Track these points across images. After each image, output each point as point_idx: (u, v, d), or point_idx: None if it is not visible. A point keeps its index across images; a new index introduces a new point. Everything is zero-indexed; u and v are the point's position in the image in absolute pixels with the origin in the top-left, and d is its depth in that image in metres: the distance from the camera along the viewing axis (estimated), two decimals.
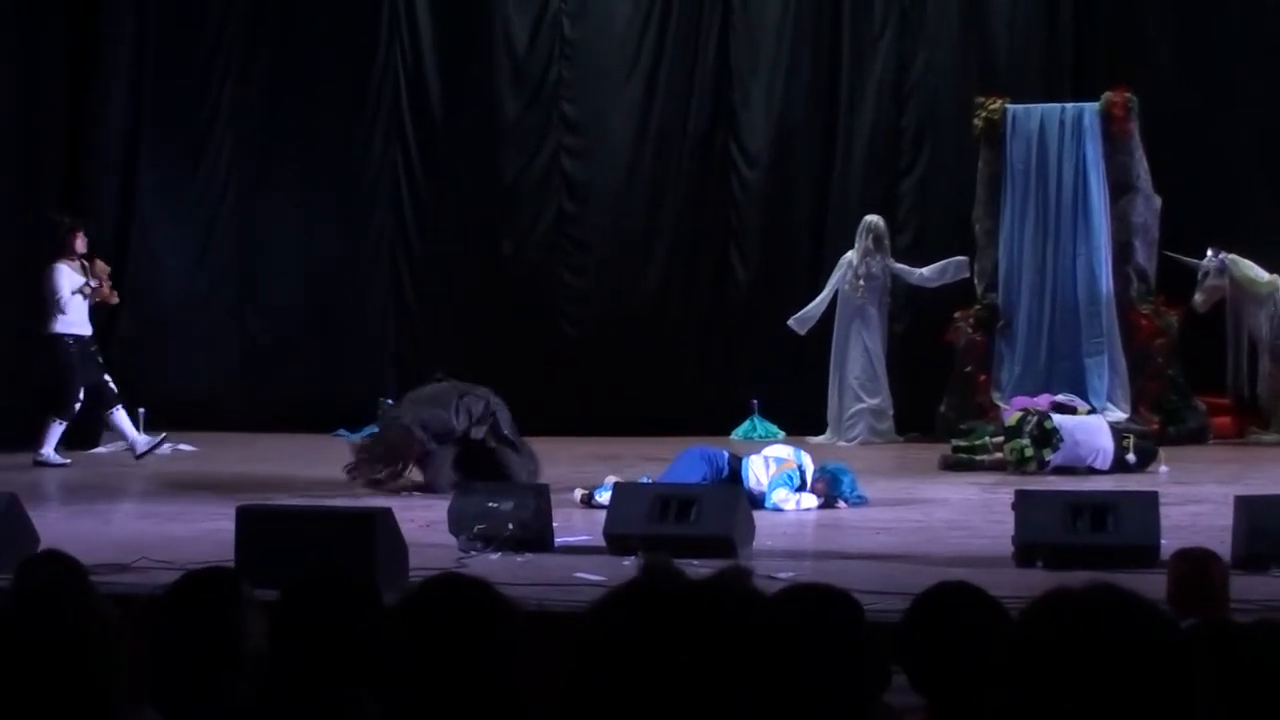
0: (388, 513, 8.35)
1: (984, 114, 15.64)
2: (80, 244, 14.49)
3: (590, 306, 17.27)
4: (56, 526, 9.56)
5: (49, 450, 14.29)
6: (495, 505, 9.25)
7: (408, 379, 16.56)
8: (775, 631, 3.33)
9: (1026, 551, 8.51)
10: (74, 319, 14.35)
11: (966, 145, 16.05)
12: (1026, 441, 13.19)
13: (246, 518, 8.32)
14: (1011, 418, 13.55)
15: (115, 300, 14.76)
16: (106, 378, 14.50)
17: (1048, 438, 13.16)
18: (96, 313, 14.69)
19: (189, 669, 3.81)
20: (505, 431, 12.32)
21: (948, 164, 16.69)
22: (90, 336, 14.55)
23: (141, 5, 16.27)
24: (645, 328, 17.05)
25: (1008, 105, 15.64)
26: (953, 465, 13.59)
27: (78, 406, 14.35)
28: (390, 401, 12.87)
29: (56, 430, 14.30)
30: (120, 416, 14.56)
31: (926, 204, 16.87)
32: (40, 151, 15.87)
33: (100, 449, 15.57)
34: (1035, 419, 13.35)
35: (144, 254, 17.03)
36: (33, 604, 3.15)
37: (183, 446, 15.55)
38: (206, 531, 9.80)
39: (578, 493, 11.30)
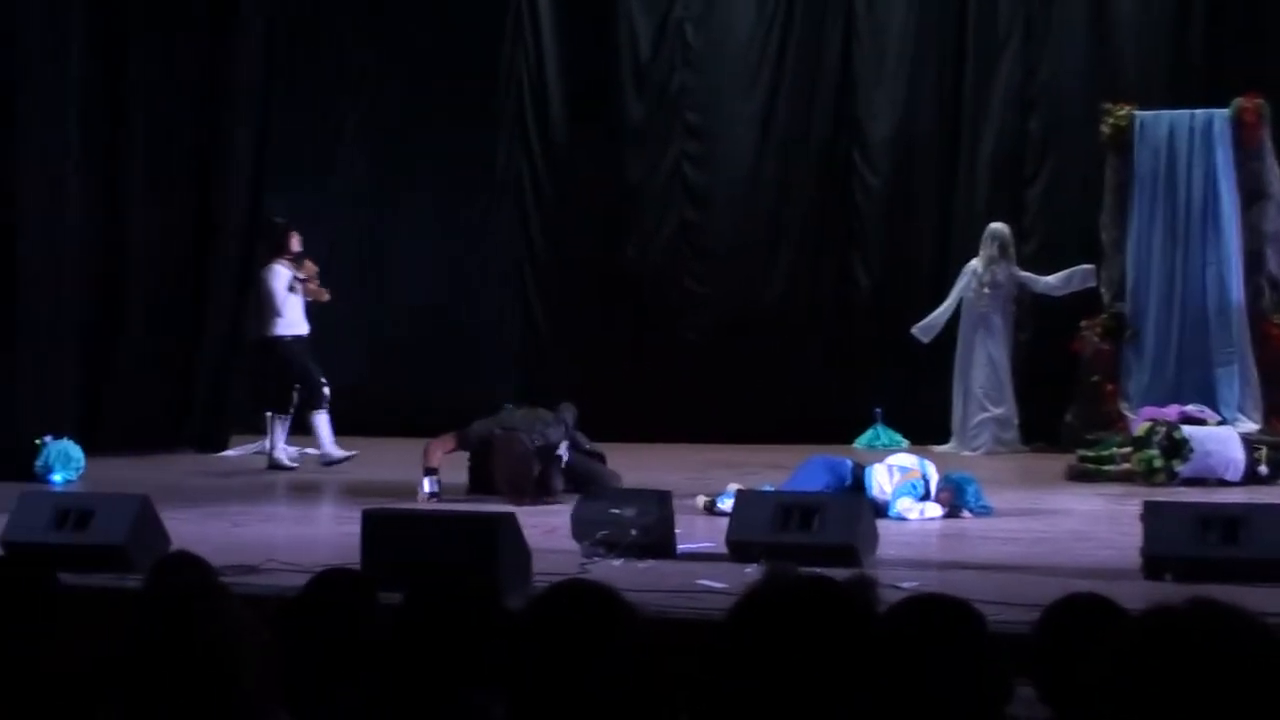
0: (511, 518, 8.38)
1: (1111, 121, 15.47)
2: (295, 243, 14.55)
3: (712, 313, 17.27)
4: (186, 528, 9.67)
5: (280, 453, 14.40)
6: (618, 512, 9.26)
7: (532, 384, 16.69)
8: (895, 640, 3.31)
9: (1155, 564, 8.40)
10: (291, 319, 14.45)
11: (1093, 152, 15.90)
12: (1155, 452, 13.04)
13: (372, 521, 8.38)
14: (1140, 428, 13.40)
15: (326, 297, 14.68)
16: (322, 380, 14.52)
17: (1177, 448, 13.00)
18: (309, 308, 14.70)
19: (317, 670, 3.84)
20: (585, 446, 12.60)
21: (1074, 171, 16.54)
22: (307, 336, 14.61)
23: (271, 15, 16.44)
24: (767, 335, 17.03)
25: (1135, 112, 15.46)
26: (1079, 475, 13.47)
27: (326, 390, 14.43)
28: (511, 405, 12.92)
29: (281, 430, 14.39)
30: (321, 420, 14.52)
31: (1052, 211, 16.73)
32: (173, 157, 16.07)
33: (229, 452, 15.77)
34: (1164, 429, 13.19)
35: None
36: (165, 605, 3.19)
37: (310, 450, 15.71)
38: (332, 534, 9.89)
39: (700, 500, 11.30)
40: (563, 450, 12.26)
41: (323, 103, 17.84)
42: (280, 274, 14.45)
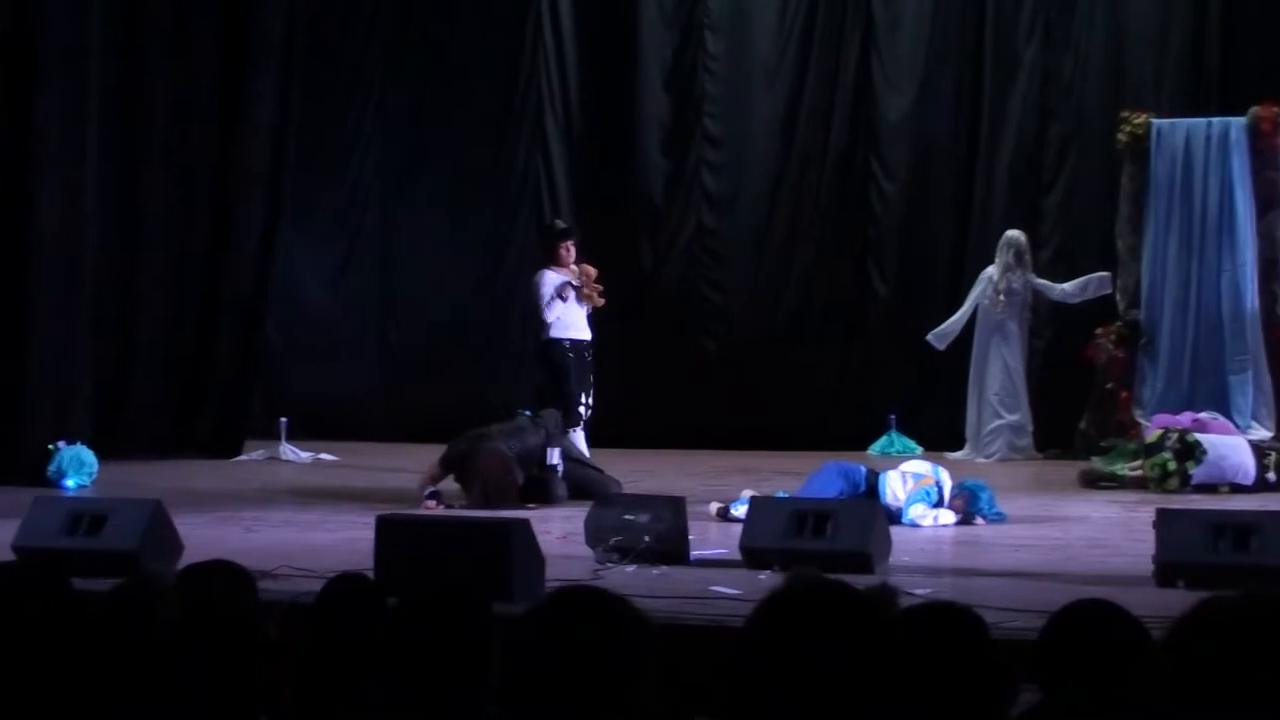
0: (525, 524, 8.38)
1: (1128, 129, 15.48)
2: (565, 254, 13.77)
3: (728, 319, 17.29)
4: (199, 533, 9.69)
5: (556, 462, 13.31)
6: (632, 518, 9.27)
7: (545, 391, 16.69)
8: (902, 646, 3.32)
9: (1167, 571, 8.40)
10: (568, 322, 13.69)
11: (1110, 160, 15.90)
12: (1169, 456, 13.02)
13: (386, 527, 8.39)
14: (1152, 435, 13.38)
15: (599, 302, 13.79)
16: (584, 395, 13.74)
17: (1190, 451, 12.99)
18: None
19: (330, 674, 3.86)
20: (575, 454, 12.67)
21: (1091, 179, 16.54)
22: (587, 342, 13.81)
23: (290, 18, 16.46)
24: (783, 341, 17.05)
25: (1152, 120, 15.46)
26: (1093, 482, 13.45)
27: (583, 410, 13.66)
28: (529, 412, 12.95)
29: (573, 438, 13.53)
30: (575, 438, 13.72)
31: (1069, 219, 16.73)
32: (191, 158, 16.10)
33: (243, 457, 15.80)
34: (1177, 435, 13.18)
35: (288, 263, 17.23)
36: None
37: (324, 455, 15.75)
38: (346, 540, 9.90)
39: (714, 506, 11.31)
40: (556, 458, 12.30)
41: (340, 105, 17.88)
42: (547, 279, 13.74)
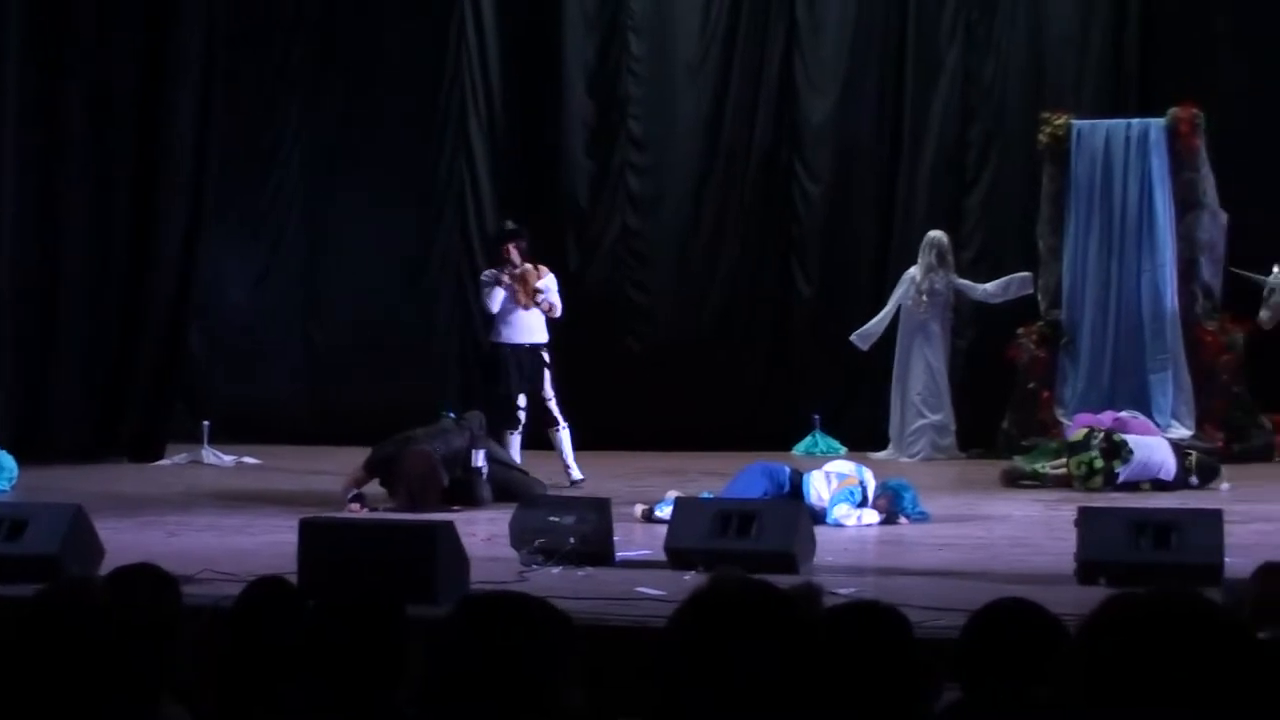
0: (449, 526, 8.37)
1: (1049, 130, 15.60)
2: (509, 254, 13.74)
3: (653, 320, 17.30)
4: (121, 537, 9.63)
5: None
6: (557, 520, 9.28)
7: (471, 392, 16.67)
8: (825, 646, 3.34)
9: (1089, 569, 8.47)
10: (510, 326, 13.72)
11: (1031, 161, 16.02)
12: (1096, 454, 13.11)
13: (309, 530, 8.36)
14: (1077, 433, 13.47)
15: (530, 305, 13.68)
16: (547, 399, 13.74)
17: (1117, 450, 13.08)
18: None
19: (250, 677, 3.85)
20: (500, 457, 12.68)
21: (1012, 180, 16.65)
22: (534, 345, 13.73)
23: (212, 17, 16.35)
24: (708, 342, 17.08)
25: (1073, 121, 15.59)
26: (1015, 481, 13.53)
27: (521, 415, 13.66)
28: (453, 414, 12.93)
29: (510, 442, 13.54)
30: (562, 438, 13.81)
31: (991, 220, 16.83)
32: (111, 161, 15.98)
33: (165, 461, 15.70)
34: (1103, 434, 13.27)
35: (211, 267, 17.13)
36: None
37: (247, 459, 15.66)
38: (269, 544, 9.86)
39: (638, 508, 11.32)
40: (480, 461, 12.30)
41: (263, 107, 17.77)
42: (484, 277, 13.93)
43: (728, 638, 2.77)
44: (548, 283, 13.87)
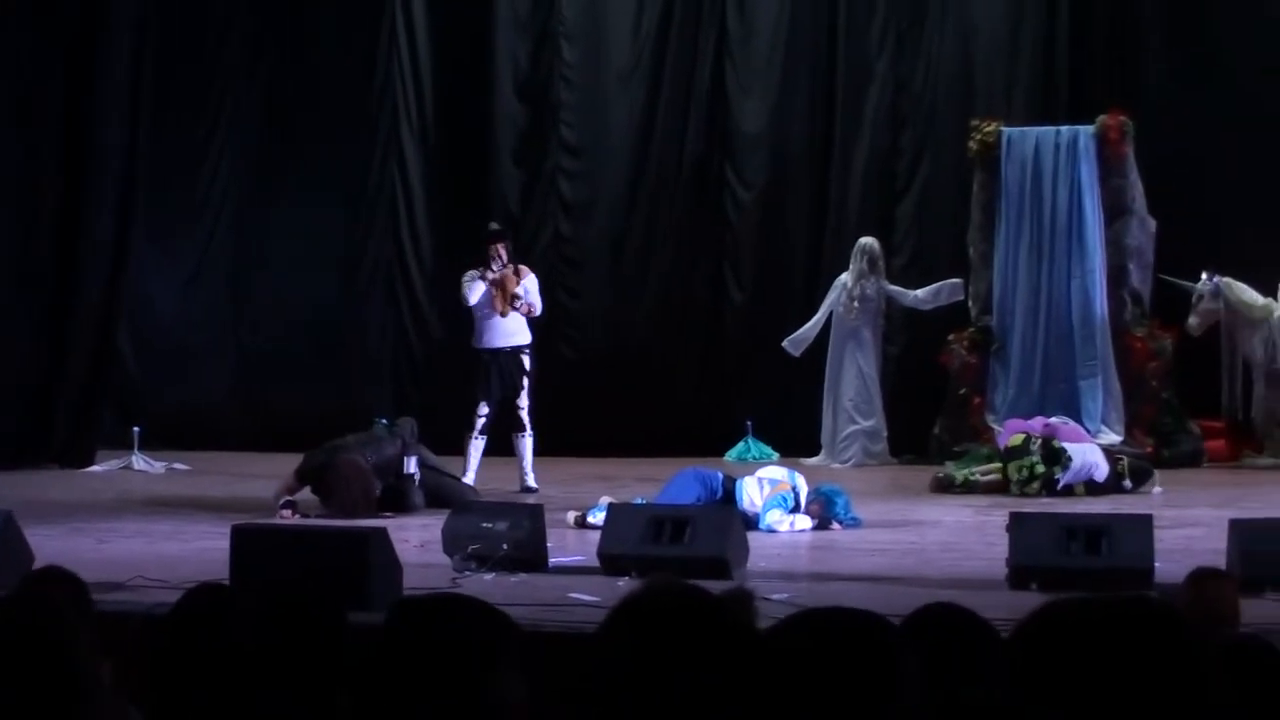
0: (382, 533, 8.36)
1: (979, 137, 15.68)
2: (492, 255, 13.72)
3: (586, 327, 17.29)
4: (51, 544, 9.55)
5: (470, 474, 13.47)
6: (490, 525, 9.27)
7: (404, 397, 16.65)
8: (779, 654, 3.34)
9: (1020, 574, 8.52)
10: (483, 331, 13.74)
11: (962, 168, 16.10)
12: (1036, 459, 13.16)
13: (242, 537, 8.32)
14: (1014, 438, 13.50)
15: (518, 310, 13.67)
16: (521, 404, 13.74)
17: (1056, 456, 13.15)
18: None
19: (188, 684, 3.83)
20: (432, 462, 12.66)
21: (943, 187, 16.73)
22: (507, 349, 13.73)
23: (142, 21, 16.25)
24: (640, 349, 17.08)
25: (1003, 128, 15.68)
26: (946, 487, 13.58)
27: (479, 421, 13.65)
28: (385, 420, 12.90)
29: (470, 447, 13.63)
30: (525, 445, 13.79)
31: (922, 226, 16.90)
32: (38, 165, 15.87)
33: (94, 467, 15.59)
34: (1040, 440, 13.32)
35: (140, 271, 17.03)
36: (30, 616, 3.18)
37: (177, 465, 15.57)
38: (201, 550, 9.80)
39: (571, 514, 11.32)
40: (413, 467, 12.29)
41: (193, 110, 17.68)
42: (466, 277, 13.88)
43: (661, 644, 2.76)
44: (528, 283, 13.93)
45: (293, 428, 15.04)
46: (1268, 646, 3.86)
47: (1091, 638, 2.36)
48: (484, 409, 13.70)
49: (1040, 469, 13.11)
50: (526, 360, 13.81)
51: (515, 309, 13.71)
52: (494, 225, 14.47)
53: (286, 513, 11.68)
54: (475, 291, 13.76)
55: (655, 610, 2.91)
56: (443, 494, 12.17)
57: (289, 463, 12.28)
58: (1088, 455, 13.28)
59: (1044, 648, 2.39)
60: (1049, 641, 2.40)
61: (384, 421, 12.82)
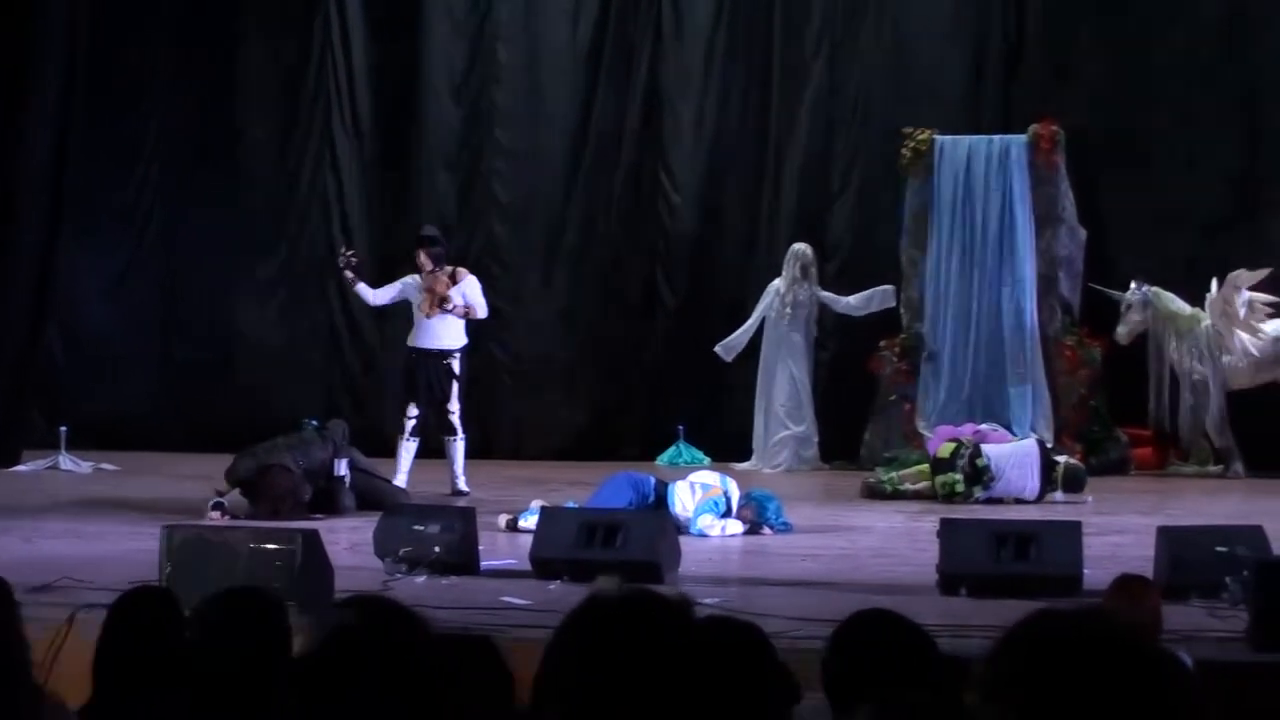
0: (314, 534, 8.32)
1: (912, 144, 15.76)
2: (421, 260, 13.71)
3: (518, 330, 17.26)
4: None
5: (401, 476, 13.32)
6: (421, 528, 9.25)
7: (333, 399, 16.58)
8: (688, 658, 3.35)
9: (950, 580, 8.56)
10: (419, 333, 13.68)
11: (895, 175, 16.16)
12: (959, 477, 13.20)
13: (172, 538, 8.27)
14: (943, 448, 13.51)
15: (432, 313, 13.59)
16: (450, 408, 13.64)
17: (979, 475, 13.16)
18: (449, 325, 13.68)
19: (126, 684, 3.82)
20: (363, 465, 12.64)
21: (876, 193, 16.78)
22: (435, 351, 13.63)
23: (72, 23, 16.13)
24: (573, 352, 17.08)
25: (936, 136, 15.77)
26: (876, 493, 13.60)
27: (409, 423, 13.55)
28: (314, 422, 12.85)
29: (401, 449, 13.53)
30: (456, 448, 13.69)
31: (854, 233, 16.94)
32: None
33: (21, 467, 15.46)
34: (968, 454, 13.31)
35: (70, 269, 16.90)
36: None
37: (105, 465, 15.46)
38: (129, 551, 9.74)
39: (502, 518, 11.30)
40: (343, 469, 12.25)
41: (124, 110, 17.56)
42: (401, 286, 13.89)
43: (620, 647, 2.77)
44: (468, 287, 13.82)
45: (222, 430, 14.98)
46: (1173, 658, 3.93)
47: (1066, 656, 2.37)
48: (413, 410, 13.66)
49: (960, 487, 13.15)
50: (455, 364, 13.75)
51: (448, 311, 13.66)
52: (426, 230, 14.41)
53: (215, 514, 11.62)
54: (384, 293, 13.81)
55: (613, 613, 2.91)
56: (373, 496, 12.14)
57: (218, 465, 12.22)
58: (1015, 476, 13.20)
59: (1020, 663, 2.40)
60: (1025, 657, 2.41)
61: (314, 424, 12.77)
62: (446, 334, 13.72)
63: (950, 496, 13.09)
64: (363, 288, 13.99)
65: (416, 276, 13.81)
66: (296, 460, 12.10)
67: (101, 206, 17.41)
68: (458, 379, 13.76)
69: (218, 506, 11.75)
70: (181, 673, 3.74)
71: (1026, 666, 2.37)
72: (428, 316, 13.65)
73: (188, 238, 17.66)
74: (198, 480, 12.51)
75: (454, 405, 13.72)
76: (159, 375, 17.51)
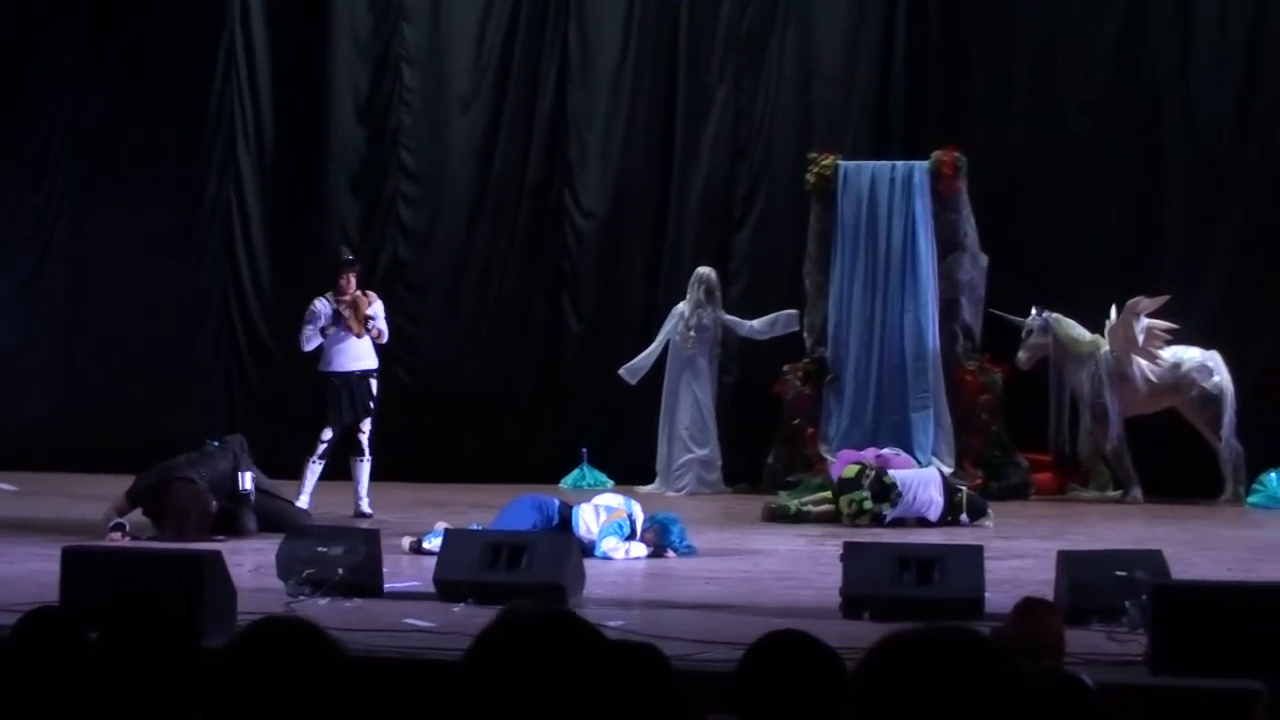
0: (217, 556, 8.27)
1: (816, 170, 15.85)
2: (344, 284, 13.70)
3: (423, 353, 17.22)
4: None
5: (305, 497, 13.35)
6: (325, 550, 9.20)
7: (238, 417, 16.47)
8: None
9: (853, 603, 8.60)
10: (332, 355, 13.66)
11: (799, 200, 16.25)
12: (866, 494, 13.29)
13: (73, 559, 8.19)
14: (848, 469, 13.61)
15: (361, 333, 13.67)
16: (363, 429, 13.68)
17: (886, 492, 13.27)
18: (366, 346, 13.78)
19: (27, 710, 3.78)
20: (266, 486, 12.62)
21: (780, 218, 16.86)
22: (356, 373, 13.68)
23: None
24: (477, 375, 17.05)
25: (840, 161, 15.86)
26: (779, 517, 13.66)
27: (321, 445, 13.56)
28: (217, 442, 12.78)
29: (307, 472, 13.51)
30: (362, 469, 13.70)
31: (758, 257, 17.01)
32: None
33: None
34: (874, 473, 13.43)
35: None
36: None
37: (3, 485, 15.29)
38: (29, 573, 9.63)
39: (406, 540, 11.27)
40: (248, 484, 12.19)
41: (28, 123, 17.41)
42: (314, 307, 13.75)
43: (531, 668, 2.77)
44: (376, 309, 13.87)
45: (122, 449, 14.85)
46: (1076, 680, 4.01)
47: (926, 671, 2.41)
48: (328, 434, 13.64)
49: (868, 504, 13.25)
50: (374, 385, 13.78)
51: (368, 331, 13.71)
52: (346, 254, 14.44)
53: (116, 535, 11.52)
54: (312, 342, 13.76)
55: (528, 634, 2.91)
56: (276, 517, 12.08)
57: (119, 484, 12.11)
58: (920, 494, 13.37)
59: (882, 681, 2.43)
60: (887, 675, 2.44)
61: (215, 444, 12.71)
62: (367, 354, 13.82)
63: (858, 515, 13.18)
64: (317, 337, 13.83)
65: (323, 301, 13.75)
66: (200, 473, 12.03)
67: (5, 219, 17.24)
68: (375, 400, 13.77)
69: (118, 527, 11.65)
70: (83, 697, 3.70)
71: (886, 679, 2.41)
72: (358, 335, 13.66)
73: (91, 254, 17.51)
74: (98, 500, 12.39)
75: (367, 426, 13.73)
76: (60, 393, 17.36)
